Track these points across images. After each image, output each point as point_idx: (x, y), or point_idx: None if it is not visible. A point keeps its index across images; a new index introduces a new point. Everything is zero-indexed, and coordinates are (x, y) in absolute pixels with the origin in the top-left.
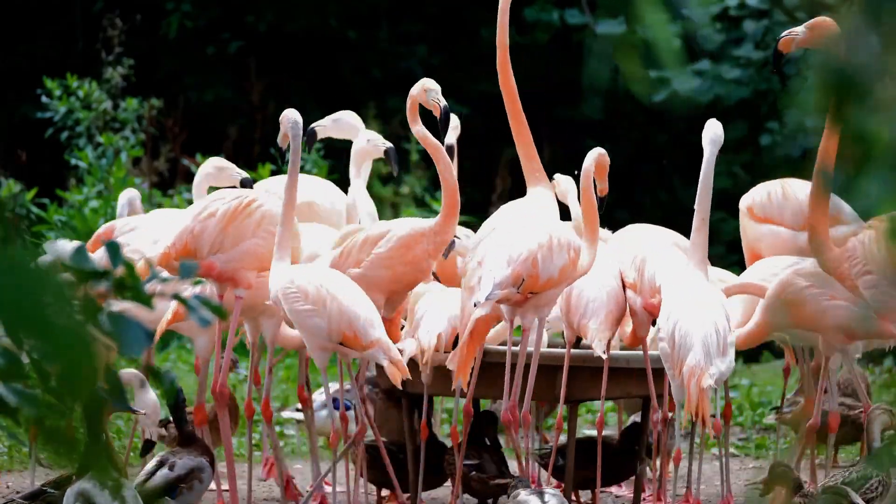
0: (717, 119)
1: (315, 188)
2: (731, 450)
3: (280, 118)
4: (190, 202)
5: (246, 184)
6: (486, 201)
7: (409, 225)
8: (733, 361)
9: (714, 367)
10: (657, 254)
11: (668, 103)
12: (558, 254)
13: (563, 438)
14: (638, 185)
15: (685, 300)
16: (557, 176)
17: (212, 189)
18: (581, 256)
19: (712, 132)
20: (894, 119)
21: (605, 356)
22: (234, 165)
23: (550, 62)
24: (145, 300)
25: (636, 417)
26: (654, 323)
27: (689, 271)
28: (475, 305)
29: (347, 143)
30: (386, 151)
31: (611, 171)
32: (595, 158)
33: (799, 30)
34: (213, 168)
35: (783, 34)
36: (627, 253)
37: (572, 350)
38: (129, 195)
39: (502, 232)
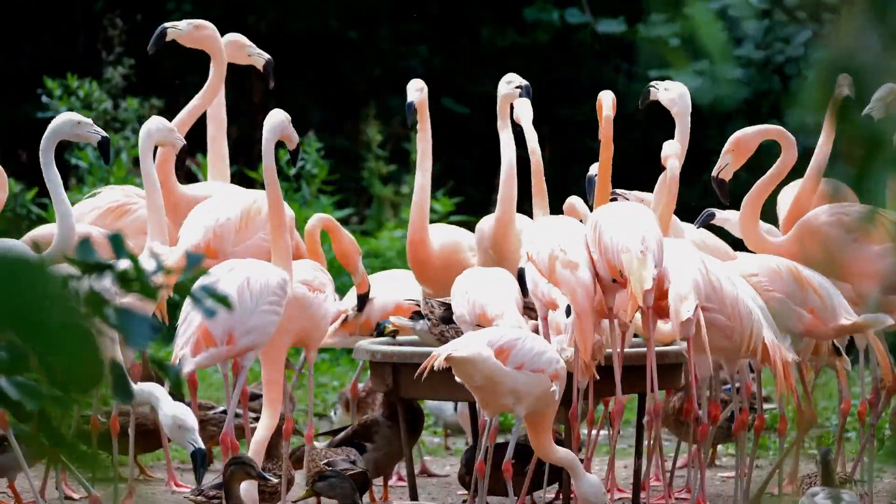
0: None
1: None
2: (731, 450)
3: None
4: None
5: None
6: (486, 201)
7: None
8: None
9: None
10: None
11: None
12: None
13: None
14: (638, 186)
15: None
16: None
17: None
18: None
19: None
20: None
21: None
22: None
23: (550, 62)
24: (150, 293)
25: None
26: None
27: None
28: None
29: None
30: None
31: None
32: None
33: (726, 158)
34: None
35: (715, 173)
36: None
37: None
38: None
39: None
